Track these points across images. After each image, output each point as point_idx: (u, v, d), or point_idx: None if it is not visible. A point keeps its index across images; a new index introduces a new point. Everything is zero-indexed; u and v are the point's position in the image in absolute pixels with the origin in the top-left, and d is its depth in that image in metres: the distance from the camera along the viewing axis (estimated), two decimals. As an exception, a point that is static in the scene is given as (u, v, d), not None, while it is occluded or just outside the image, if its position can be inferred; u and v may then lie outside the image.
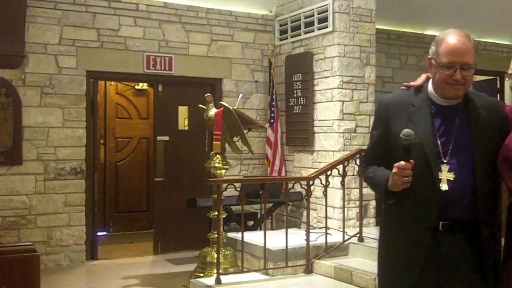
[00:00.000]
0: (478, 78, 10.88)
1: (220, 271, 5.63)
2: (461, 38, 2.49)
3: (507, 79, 7.13)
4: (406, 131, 2.40)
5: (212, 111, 6.13)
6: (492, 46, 10.69)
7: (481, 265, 2.52)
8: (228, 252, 6.13)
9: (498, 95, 10.58)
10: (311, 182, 6.15)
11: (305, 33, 7.86)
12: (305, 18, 7.83)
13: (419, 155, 2.46)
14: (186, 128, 8.17)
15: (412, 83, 2.75)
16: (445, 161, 2.50)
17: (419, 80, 2.71)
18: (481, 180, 2.50)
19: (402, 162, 2.41)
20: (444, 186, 2.48)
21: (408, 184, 2.43)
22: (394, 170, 2.43)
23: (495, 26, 10.15)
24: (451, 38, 2.50)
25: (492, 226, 2.56)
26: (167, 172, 8.03)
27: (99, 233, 8.34)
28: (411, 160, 2.41)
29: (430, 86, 2.63)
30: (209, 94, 6.32)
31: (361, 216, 6.55)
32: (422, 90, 2.65)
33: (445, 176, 2.49)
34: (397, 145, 2.50)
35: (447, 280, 2.51)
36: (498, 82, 10.88)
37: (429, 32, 9.60)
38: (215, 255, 5.73)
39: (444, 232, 2.50)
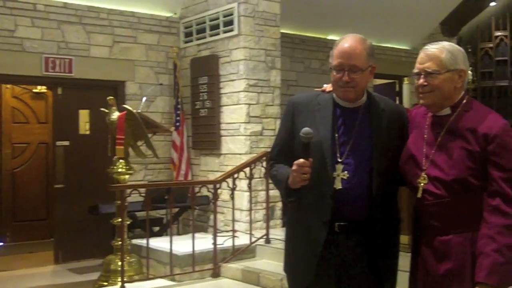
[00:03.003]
0: (378, 81, 11.25)
1: (125, 279, 5.53)
2: (352, 42, 2.56)
3: (406, 82, 7.35)
4: (305, 129, 2.46)
5: (115, 115, 5.99)
6: (391, 51, 11.07)
7: (376, 266, 2.59)
8: (133, 259, 6.01)
9: (397, 98, 10.97)
10: (218, 186, 6.14)
11: (211, 36, 7.81)
12: (211, 21, 7.79)
13: (317, 153, 2.51)
14: (88, 132, 7.90)
15: (325, 86, 2.80)
16: (340, 160, 2.56)
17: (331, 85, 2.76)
18: (377, 181, 2.55)
19: (301, 160, 2.45)
20: (338, 185, 2.53)
21: (307, 182, 2.47)
22: (293, 167, 2.47)
23: (394, 32, 10.55)
24: (343, 42, 2.58)
25: (388, 228, 2.63)
26: (68, 178, 7.74)
27: (-5, 244, 7.93)
28: (310, 158, 2.44)
29: None
30: (112, 97, 6.18)
31: (268, 218, 6.59)
32: (330, 93, 2.71)
33: (339, 175, 2.54)
34: (300, 141, 2.53)
35: (346, 279, 2.58)
36: (397, 86, 11.28)
37: (331, 37, 9.80)
38: (119, 263, 5.61)
39: (340, 232, 2.55)
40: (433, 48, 2.51)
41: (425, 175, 2.50)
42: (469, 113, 2.49)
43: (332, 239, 2.55)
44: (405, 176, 2.61)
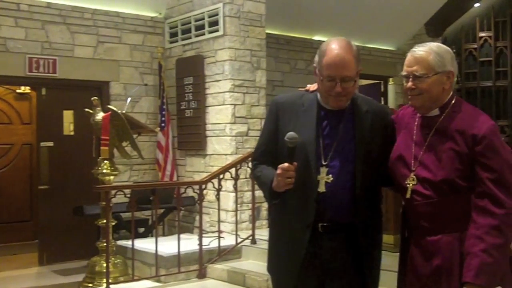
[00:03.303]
0: (364, 82, 11.27)
1: (110, 281, 5.51)
2: (342, 51, 2.51)
3: (391, 82, 7.36)
4: (291, 134, 2.44)
5: (99, 115, 5.95)
6: (377, 52, 11.09)
7: (360, 266, 2.59)
8: (118, 260, 5.97)
9: (382, 98, 11.01)
10: (203, 186, 6.13)
11: (196, 36, 7.79)
12: (196, 21, 7.76)
13: (301, 156, 2.50)
14: (72, 133, 7.84)
15: (309, 86, 2.79)
16: (324, 163, 2.55)
17: (315, 85, 2.74)
18: (360, 184, 2.55)
19: (286, 164, 2.43)
20: (321, 188, 2.53)
21: (291, 186, 2.46)
22: (278, 171, 2.46)
23: (379, 33, 10.58)
24: (332, 51, 2.51)
25: (371, 230, 2.63)
26: (52, 179, 7.68)
27: (-22, 246, 7.84)
28: (295, 162, 2.43)
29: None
30: (96, 98, 6.13)
31: (254, 218, 6.58)
32: (314, 93, 2.70)
33: (323, 178, 2.54)
34: (284, 143, 2.52)
35: (329, 280, 2.58)
36: (382, 86, 11.32)
37: (317, 37, 9.81)
38: (104, 264, 5.58)
39: (324, 233, 2.55)
40: (420, 51, 2.50)
41: (414, 176, 2.50)
42: (458, 114, 2.50)
43: (315, 240, 2.55)
44: (394, 176, 2.61)
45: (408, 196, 2.52)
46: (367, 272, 2.62)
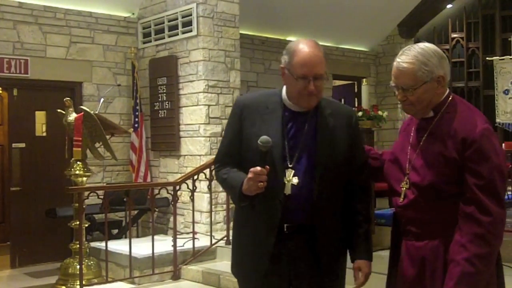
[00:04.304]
0: (338, 83, 11.35)
1: (84, 283, 5.47)
2: (313, 49, 2.53)
3: (364, 83, 7.39)
4: (264, 138, 2.41)
5: (72, 116, 5.90)
6: (351, 53, 11.16)
7: (321, 270, 2.60)
8: (92, 262, 5.92)
9: (356, 99, 11.09)
10: (177, 187, 6.11)
11: (169, 36, 7.76)
12: (169, 21, 7.74)
13: (268, 158, 2.47)
14: (44, 134, 7.76)
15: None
16: (290, 165, 2.55)
17: None
18: (321, 187, 2.55)
19: (258, 168, 2.40)
20: (287, 190, 2.52)
21: (263, 189, 2.44)
22: (249, 175, 2.42)
23: (353, 34, 10.65)
24: (303, 50, 2.53)
25: (331, 232, 2.62)
26: (24, 181, 7.59)
27: None
28: (267, 166, 2.41)
29: (284, 92, 2.66)
30: (68, 99, 6.07)
31: (228, 219, 6.56)
32: (278, 94, 2.68)
33: (290, 180, 2.53)
34: (249, 146, 2.53)
35: (296, 281, 2.59)
36: (355, 87, 11.40)
37: (291, 38, 9.84)
38: (78, 266, 5.55)
39: (289, 234, 2.56)
40: (404, 63, 2.39)
41: (407, 180, 2.45)
42: (451, 116, 2.40)
43: (281, 241, 2.55)
44: (387, 180, 2.58)
45: (401, 200, 2.47)
46: (329, 273, 2.61)
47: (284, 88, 2.66)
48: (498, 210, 2.26)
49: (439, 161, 2.35)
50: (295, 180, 2.53)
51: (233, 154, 2.66)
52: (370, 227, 2.75)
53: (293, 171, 2.54)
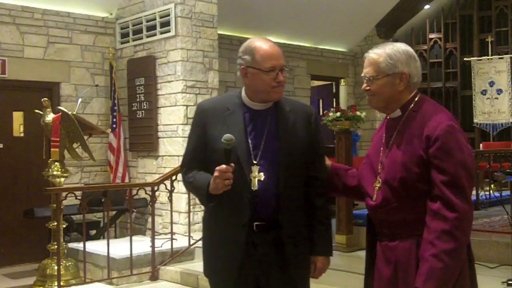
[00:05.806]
0: (316, 83, 11.40)
1: (62, 284, 5.45)
2: (271, 44, 2.65)
3: (343, 83, 7.40)
4: (227, 136, 2.47)
5: (50, 117, 5.87)
6: (329, 53, 11.22)
7: (287, 266, 2.64)
8: (70, 263, 5.90)
9: (334, 99, 11.16)
10: (155, 188, 6.11)
11: (147, 37, 7.76)
12: (147, 21, 7.73)
13: (233, 157, 2.53)
14: (22, 134, 7.72)
15: None
16: (255, 162, 2.60)
17: None
18: (284, 183, 2.61)
19: (224, 166, 2.46)
20: (254, 186, 2.58)
21: (230, 187, 2.49)
22: (215, 173, 2.48)
23: (331, 34, 10.71)
24: (264, 45, 2.64)
25: (295, 228, 2.66)
26: (2, 182, 7.54)
27: None
28: (232, 164, 2.47)
29: (243, 92, 2.73)
30: (46, 99, 6.04)
31: (207, 220, 6.56)
32: (237, 95, 2.75)
33: (256, 176, 2.59)
34: (214, 148, 2.58)
35: (263, 278, 2.63)
36: (334, 87, 11.47)
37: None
38: (56, 267, 5.52)
39: (258, 231, 2.60)
40: (373, 54, 2.50)
41: (379, 179, 2.48)
42: (417, 114, 2.44)
43: (251, 239, 2.60)
44: (361, 183, 2.61)
45: (374, 198, 2.49)
46: (294, 269, 2.65)
47: (243, 88, 2.73)
48: (464, 206, 2.28)
49: (407, 159, 2.37)
50: (262, 176, 2.58)
51: (198, 158, 2.70)
52: (330, 222, 2.80)
53: (258, 167, 2.59)
